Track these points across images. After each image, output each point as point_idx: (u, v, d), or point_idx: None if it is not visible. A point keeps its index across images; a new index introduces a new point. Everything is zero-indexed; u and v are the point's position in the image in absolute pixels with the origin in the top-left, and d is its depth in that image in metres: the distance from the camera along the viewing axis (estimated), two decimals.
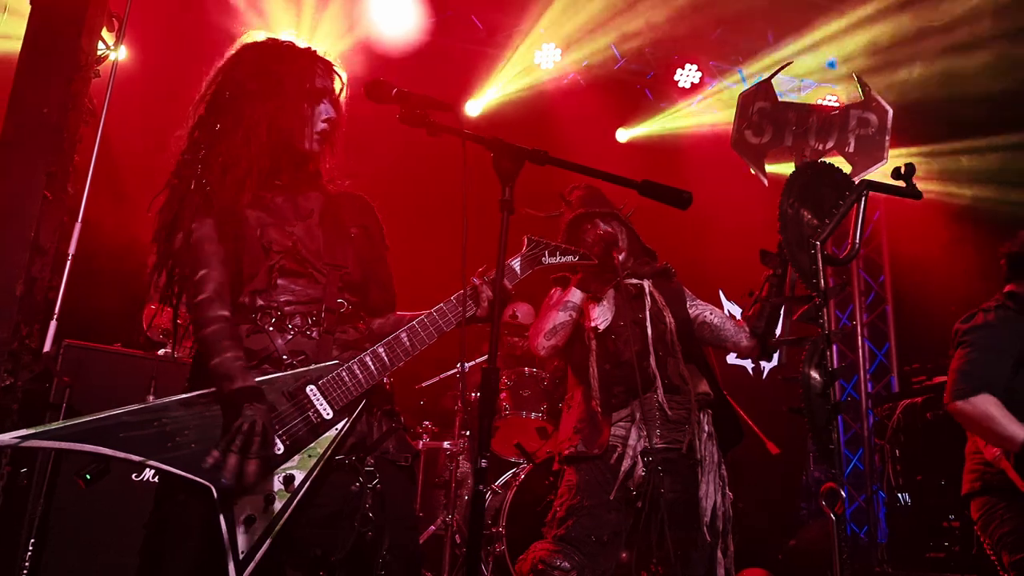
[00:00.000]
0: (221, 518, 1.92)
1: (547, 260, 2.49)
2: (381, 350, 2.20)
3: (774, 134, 3.61)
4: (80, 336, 3.90)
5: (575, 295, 3.20)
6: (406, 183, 6.42)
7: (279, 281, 2.19)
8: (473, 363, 5.47)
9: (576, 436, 3.10)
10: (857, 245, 2.94)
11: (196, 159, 2.23)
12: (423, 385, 5.64)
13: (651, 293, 3.23)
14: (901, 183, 3.03)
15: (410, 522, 2.33)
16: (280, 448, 2.03)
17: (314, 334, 2.19)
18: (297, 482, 2.02)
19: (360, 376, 2.16)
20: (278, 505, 1.98)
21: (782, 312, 3.29)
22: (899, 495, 5.99)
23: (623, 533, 2.92)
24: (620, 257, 3.22)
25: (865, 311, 8.07)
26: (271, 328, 2.16)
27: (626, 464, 2.95)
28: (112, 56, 4.37)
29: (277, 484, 2.01)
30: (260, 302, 2.17)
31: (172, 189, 2.23)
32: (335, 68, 2.42)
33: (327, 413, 2.11)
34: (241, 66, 2.32)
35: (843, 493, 2.51)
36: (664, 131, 7.79)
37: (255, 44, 2.37)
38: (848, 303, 8.14)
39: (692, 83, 7.51)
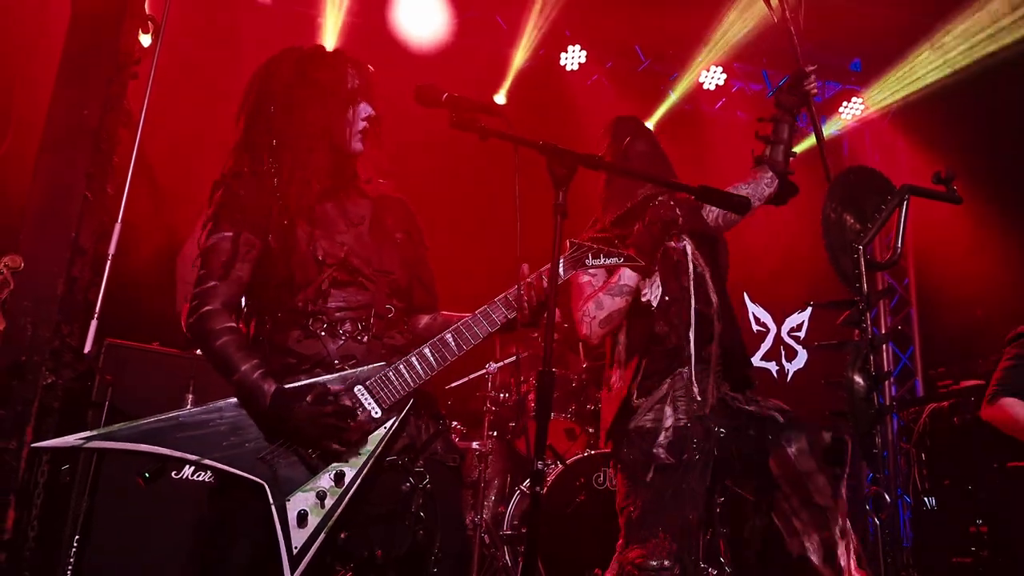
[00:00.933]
0: (275, 514, 2.00)
1: (591, 262, 2.46)
2: (427, 351, 2.25)
3: None
4: (120, 335, 3.94)
5: (629, 278, 2.96)
6: (446, 182, 6.46)
7: (332, 291, 2.26)
8: (502, 363, 5.47)
9: (616, 432, 3.00)
10: (899, 249, 2.94)
11: (265, 171, 2.28)
12: (452, 385, 5.66)
13: (693, 257, 3.06)
14: (942, 187, 3.04)
15: (459, 522, 2.39)
16: (336, 446, 2.09)
17: (364, 339, 2.26)
18: (348, 479, 2.08)
19: (407, 376, 2.21)
20: (330, 502, 2.05)
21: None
22: (925, 499, 5.95)
23: (699, 504, 2.85)
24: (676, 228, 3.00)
25: (889, 314, 8.04)
26: (323, 333, 2.22)
27: (663, 439, 2.87)
28: (149, 57, 4.40)
29: (328, 481, 2.07)
30: (312, 308, 2.23)
31: (225, 201, 2.27)
32: (366, 67, 2.47)
33: (375, 412, 2.16)
34: (281, 76, 2.37)
35: (887, 498, 2.52)
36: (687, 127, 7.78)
37: (289, 53, 2.42)
38: (874, 306, 8.11)
39: (717, 85, 7.49)
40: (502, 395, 5.40)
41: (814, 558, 2.74)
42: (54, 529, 3.50)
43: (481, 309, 2.33)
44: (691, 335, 2.97)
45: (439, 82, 2.26)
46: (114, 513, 3.61)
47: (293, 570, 1.96)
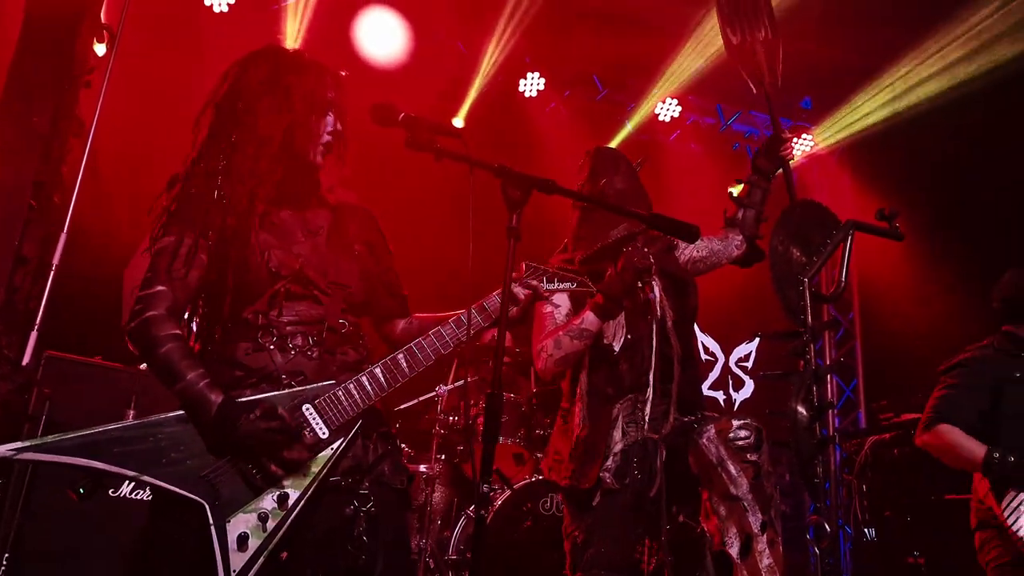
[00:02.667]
0: (214, 536, 1.92)
1: (545, 286, 2.43)
2: (379, 371, 2.20)
3: (741, 32, 3.48)
4: (64, 348, 3.85)
5: (591, 322, 2.93)
6: (407, 190, 6.46)
7: (284, 302, 2.21)
8: (452, 386, 5.46)
9: (572, 464, 3.00)
10: (843, 283, 3.02)
11: (216, 169, 2.21)
12: (401, 408, 5.62)
13: (660, 302, 3.05)
14: (884, 224, 3.13)
15: (404, 546, 2.35)
16: (279, 469, 2.03)
17: (314, 354, 2.20)
18: (291, 501, 2.02)
19: (357, 397, 2.16)
20: (272, 524, 1.98)
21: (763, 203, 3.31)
22: (865, 530, 6.06)
23: (644, 525, 2.85)
24: (651, 285, 3.03)
25: (834, 347, 8.21)
26: (272, 347, 2.16)
27: (611, 464, 2.89)
28: (103, 66, 4.34)
29: (271, 503, 2.01)
30: (262, 321, 2.18)
31: (177, 205, 2.19)
32: (343, 81, 2.42)
33: (323, 432, 2.10)
34: (252, 75, 2.31)
35: (827, 527, 2.56)
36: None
37: (266, 52, 2.37)
38: (819, 338, 8.29)
39: (672, 117, 7.63)
40: (451, 418, 5.38)
41: (732, 552, 2.71)
42: None
43: (435, 330, 2.29)
44: (650, 378, 2.97)
45: (398, 103, 2.27)
46: (47, 532, 3.49)
47: None
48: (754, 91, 3.48)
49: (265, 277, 2.19)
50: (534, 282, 2.40)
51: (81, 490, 2.06)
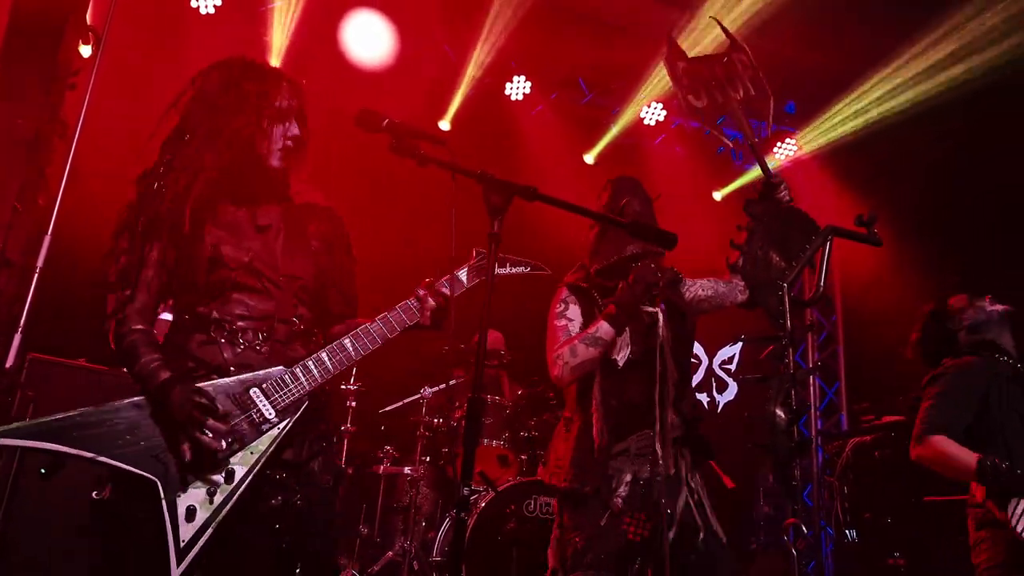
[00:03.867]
0: (165, 509, 2.08)
1: (496, 271, 2.52)
2: (324, 355, 2.32)
3: (708, 95, 3.48)
4: (49, 351, 3.84)
5: (605, 330, 3.02)
6: (386, 203, 6.48)
7: (234, 295, 2.32)
8: (437, 388, 5.49)
9: (573, 469, 3.06)
10: (822, 287, 3.06)
11: (162, 169, 2.33)
12: (386, 410, 5.64)
13: (663, 324, 3.11)
14: (863, 230, 3.18)
15: (326, 540, 2.40)
16: (224, 444, 2.16)
17: (263, 349, 2.31)
18: (238, 477, 2.17)
19: (303, 379, 2.29)
20: (219, 498, 2.14)
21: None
22: (847, 532, 6.12)
23: (638, 551, 2.96)
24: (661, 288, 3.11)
25: (817, 350, 8.28)
26: (223, 340, 2.29)
27: (622, 492, 2.99)
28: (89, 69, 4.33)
29: (219, 478, 2.16)
30: (215, 315, 2.29)
31: (131, 207, 2.34)
32: (304, 89, 2.52)
33: (270, 413, 2.24)
34: (211, 81, 2.42)
35: (805, 529, 2.60)
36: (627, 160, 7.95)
37: (227, 61, 2.47)
38: (800, 342, 8.34)
39: (657, 120, 7.68)
40: (436, 420, 5.40)
41: None
42: None
43: (382, 315, 2.40)
44: (656, 396, 3.03)
45: (385, 106, 2.31)
46: (32, 524, 3.50)
47: (180, 561, 2.04)
48: (749, 142, 3.51)
49: (216, 271, 2.30)
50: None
51: (43, 471, 2.16)
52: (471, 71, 7.11)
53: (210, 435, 2.13)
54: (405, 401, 5.56)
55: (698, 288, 3.39)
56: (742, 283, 3.37)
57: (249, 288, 2.33)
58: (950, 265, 6.54)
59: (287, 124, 2.44)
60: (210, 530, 2.09)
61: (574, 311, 3.22)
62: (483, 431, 5.33)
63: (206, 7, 6.30)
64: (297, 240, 2.46)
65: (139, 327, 2.25)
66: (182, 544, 2.05)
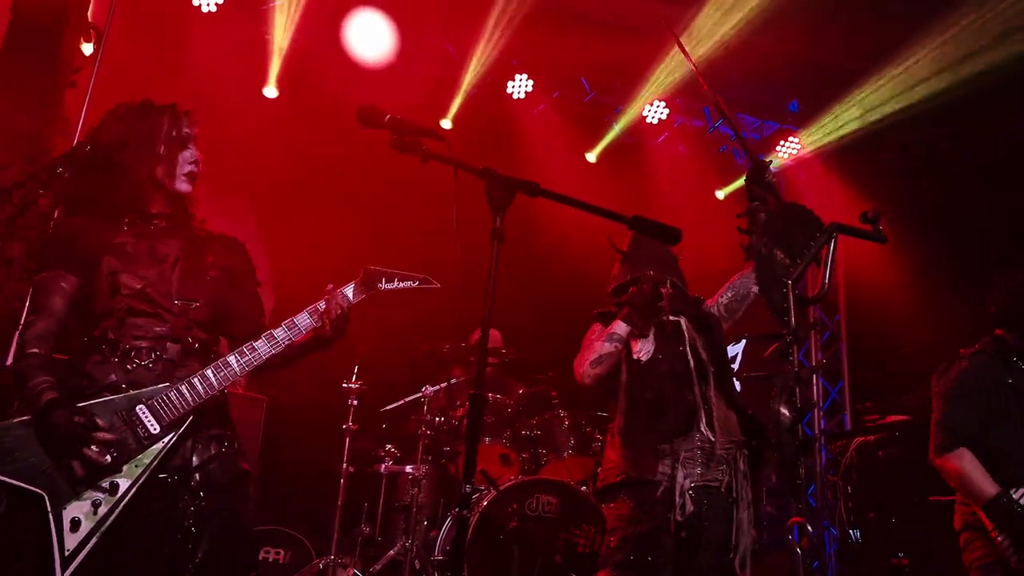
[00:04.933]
0: (51, 521, 2.21)
1: (384, 286, 2.68)
2: (209, 372, 2.44)
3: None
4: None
5: (620, 328, 3.31)
6: (387, 200, 6.47)
7: (129, 319, 2.45)
8: (438, 387, 5.47)
9: (624, 463, 3.20)
10: (826, 285, 3.04)
11: (80, 207, 2.56)
12: (387, 408, 5.63)
13: (687, 328, 3.36)
14: (867, 227, 3.15)
15: (233, 537, 2.49)
16: (108, 459, 2.28)
17: (155, 368, 2.44)
18: (122, 489, 2.29)
19: (188, 396, 2.41)
20: (103, 509, 2.26)
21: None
22: (850, 532, 6.10)
23: (671, 559, 3.03)
24: (666, 297, 3.36)
25: (820, 349, 8.25)
26: (116, 360, 2.42)
27: (677, 500, 3.06)
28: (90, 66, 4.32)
29: (102, 492, 2.28)
30: (111, 336, 2.43)
31: (51, 237, 2.58)
32: (196, 117, 2.70)
33: (154, 428, 2.36)
34: (111, 122, 2.61)
35: (810, 528, 2.58)
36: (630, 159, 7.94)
37: (124, 104, 2.65)
38: (804, 340, 8.32)
39: (660, 119, 7.66)
40: (437, 419, 5.38)
41: None
42: None
43: (267, 332, 2.53)
44: (696, 392, 3.18)
45: (386, 104, 2.31)
46: None
47: (64, 568, 2.17)
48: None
49: (111, 297, 2.45)
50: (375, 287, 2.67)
51: None
52: (473, 69, 7.09)
53: (95, 449, 2.25)
54: (406, 400, 5.54)
55: (719, 297, 3.57)
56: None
57: (143, 312, 2.46)
58: (954, 264, 6.52)
59: (188, 151, 2.63)
60: (95, 539, 2.21)
61: (599, 330, 3.46)
62: (484, 430, 5.32)
63: (208, 5, 6.29)
64: (194, 269, 2.59)
65: (34, 350, 2.39)
66: (67, 553, 2.18)
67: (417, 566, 4.93)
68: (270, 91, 6.69)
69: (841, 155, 7.71)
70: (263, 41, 6.60)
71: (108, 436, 2.28)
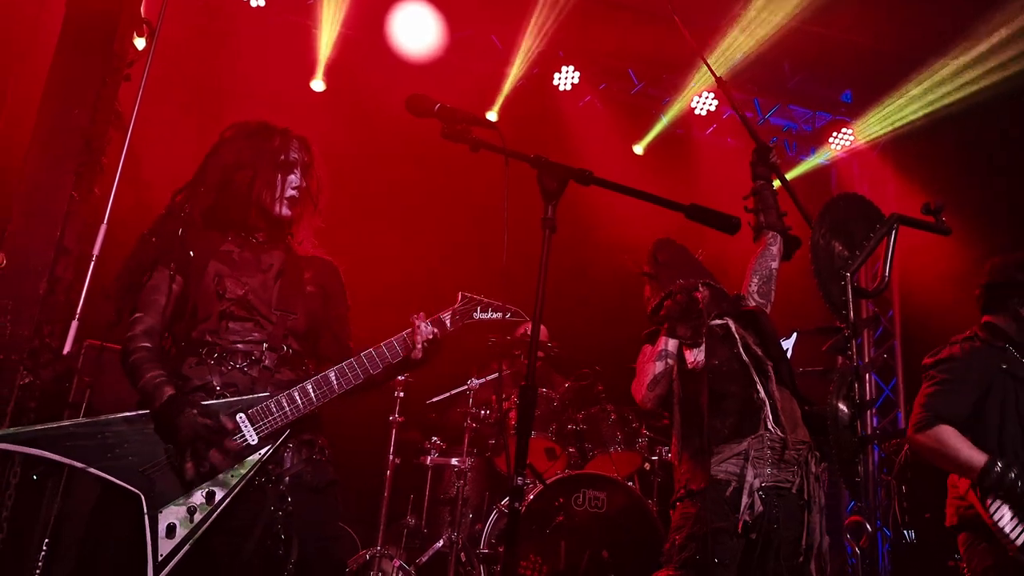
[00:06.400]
0: (147, 523, 2.20)
1: (478, 315, 2.67)
2: (309, 387, 2.44)
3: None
4: (104, 337, 3.90)
5: (668, 343, 3.26)
6: (436, 193, 6.47)
7: (229, 324, 2.47)
8: (484, 380, 5.45)
9: (689, 472, 3.13)
10: (887, 278, 2.96)
11: (178, 214, 2.58)
12: (433, 400, 5.63)
13: (736, 328, 3.29)
14: (930, 218, 3.06)
15: (322, 541, 2.50)
16: (228, 463, 2.29)
17: (250, 371, 2.46)
18: (218, 498, 2.27)
19: (287, 408, 2.40)
20: (198, 517, 2.24)
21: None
22: (905, 532, 5.95)
23: (738, 560, 2.96)
24: (703, 302, 3.30)
25: (873, 345, 8.07)
26: (212, 362, 2.43)
27: (746, 500, 2.98)
28: (143, 60, 4.38)
29: (200, 498, 2.26)
30: (208, 339, 2.45)
31: (144, 240, 2.57)
32: (310, 145, 2.74)
33: (252, 439, 2.35)
34: (232, 140, 2.68)
35: (868, 527, 2.51)
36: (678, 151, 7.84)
37: (241, 124, 2.72)
38: (859, 335, 8.14)
39: (708, 110, 7.54)
40: (483, 412, 5.37)
41: None
42: (24, 532, 3.43)
43: (366, 351, 2.52)
44: (759, 390, 3.09)
45: (431, 96, 2.27)
46: (83, 522, 3.54)
47: (157, 574, 2.15)
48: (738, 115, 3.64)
49: (213, 301, 2.48)
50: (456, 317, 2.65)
51: (35, 476, 2.28)
52: (519, 62, 7.05)
53: (219, 455, 2.26)
54: (452, 392, 5.54)
55: (748, 286, 3.49)
56: (770, 235, 3.47)
57: (242, 318, 2.49)
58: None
59: (292, 176, 2.64)
60: (187, 546, 2.20)
61: (648, 351, 3.40)
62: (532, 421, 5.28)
63: None
64: (294, 283, 2.62)
65: (144, 344, 2.40)
66: (160, 558, 2.16)
67: (463, 558, 4.93)
68: (317, 84, 6.74)
69: (898, 145, 7.52)
70: (310, 35, 6.64)
71: (235, 445, 2.29)
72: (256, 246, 2.64)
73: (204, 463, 2.25)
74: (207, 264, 2.51)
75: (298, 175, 2.66)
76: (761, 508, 2.95)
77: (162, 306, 2.47)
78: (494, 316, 2.67)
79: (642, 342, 3.47)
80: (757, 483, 2.98)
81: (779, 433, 3.02)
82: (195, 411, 2.26)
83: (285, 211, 2.63)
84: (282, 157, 2.64)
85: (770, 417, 3.02)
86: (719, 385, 3.14)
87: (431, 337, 2.55)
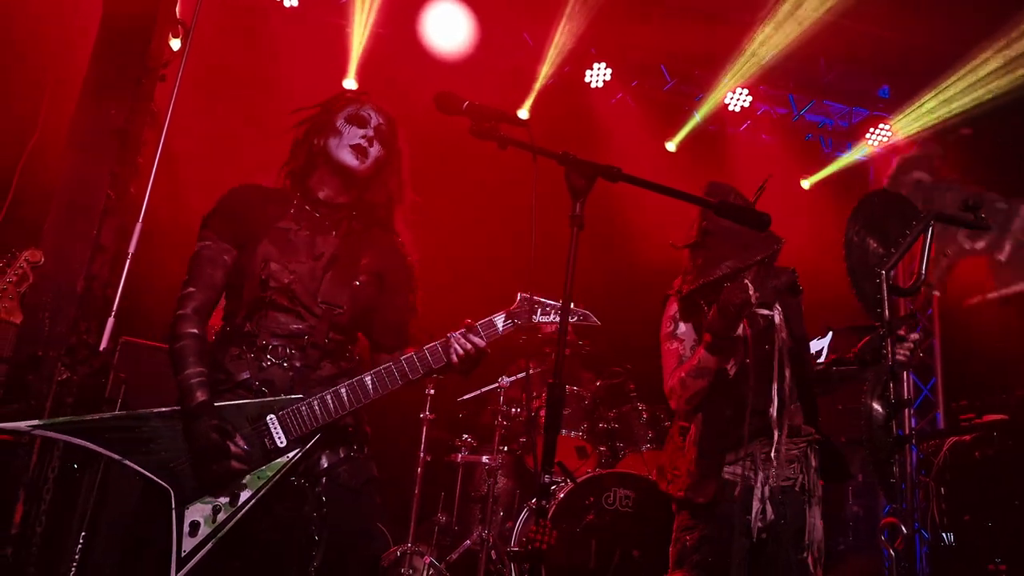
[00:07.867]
0: (174, 518, 2.23)
1: (537, 318, 2.53)
2: (343, 391, 2.38)
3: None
4: (139, 334, 3.96)
5: (707, 359, 3.01)
6: (465, 190, 6.48)
7: (271, 312, 2.41)
8: (514, 378, 5.45)
9: (689, 479, 3.03)
10: (923, 275, 2.89)
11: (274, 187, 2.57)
12: (463, 398, 5.64)
13: (780, 322, 3.02)
14: (969, 215, 2.99)
15: (356, 542, 2.45)
16: (241, 468, 2.27)
17: (289, 366, 2.39)
18: (242, 500, 2.28)
19: (319, 412, 2.35)
20: (222, 517, 2.25)
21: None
22: (943, 534, 5.84)
23: (746, 558, 2.91)
24: (753, 297, 2.97)
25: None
26: (252, 356, 2.39)
27: (756, 506, 2.92)
28: (178, 61, 4.44)
29: (224, 498, 2.27)
30: (248, 328, 2.40)
31: (220, 207, 2.52)
32: (385, 109, 2.68)
33: (281, 441, 2.33)
34: (315, 111, 2.67)
35: (904, 529, 2.46)
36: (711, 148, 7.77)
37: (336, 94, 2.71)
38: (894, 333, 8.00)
39: (742, 107, 7.46)
40: (513, 410, 5.36)
41: None
42: (62, 524, 3.49)
43: (407, 356, 2.44)
44: (774, 392, 2.94)
45: (464, 95, 2.27)
46: (124, 510, 3.60)
47: (179, 570, 2.17)
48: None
49: (257, 286, 2.40)
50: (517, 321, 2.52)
51: (75, 465, 2.41)
52: (550, 59, 7.03)
53: (232, 463, 2.25)
54: (482, 390, 5.54)
55: None
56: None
57: (284, 308, 2.41)
58: None
59: (360, 129, 2.56)
60: (210, 545, 2.21)
61: (684, 330, 3.18)
62: (562, 421, 5.27)
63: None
64: (345, 272, 2.51)
65: (192, 330, 2.35)
66: (183, 554, 2.19)
67: (493, 556, 4.93)
68: (350, 83, 6.77)
69: (937, 141, 7.37)
70: (342, 34, 6.68)
71: (241, 455, 2.26)
72: (316, 222, 2.53)
73: (209, 473, 2.25)
74: (259, 241, 2.43)
75: (370, 130, 2.58)
76: (772, 517, 2.89)
77: (217, 281, 2.42)
78: (557, 319, 2.45)
79: (668, 299, 3.25)
80: (766, 490, 2.91)
81: (784, 431, 2.94)
82: (214, 422, 2.24)
83: (350, 159, 2.53)
84: (352, 109, 2.60)
85: (782, 439, 2.93)
86: (743, 396, 2.99)
87: (469, 349, 2.42)
